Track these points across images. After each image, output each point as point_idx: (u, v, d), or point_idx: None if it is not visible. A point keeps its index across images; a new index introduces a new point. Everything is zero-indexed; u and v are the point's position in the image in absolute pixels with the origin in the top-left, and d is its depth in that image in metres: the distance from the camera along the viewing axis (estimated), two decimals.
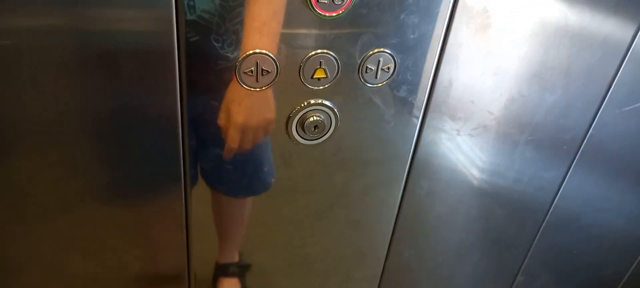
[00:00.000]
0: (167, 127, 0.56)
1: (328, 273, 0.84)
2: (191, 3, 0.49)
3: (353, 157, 0.68)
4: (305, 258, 0.80)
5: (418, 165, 0.72)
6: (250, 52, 0.53)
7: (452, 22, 0.59)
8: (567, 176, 0.84)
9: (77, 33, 0.47)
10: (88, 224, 0.59)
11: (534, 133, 0.75)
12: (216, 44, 0.51)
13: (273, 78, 0.55)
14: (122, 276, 0.67)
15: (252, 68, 0.53)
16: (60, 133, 0.52)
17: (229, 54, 0.52)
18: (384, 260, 0.84)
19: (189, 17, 0.49)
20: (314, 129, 0.60)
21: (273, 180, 0.68)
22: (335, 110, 0.60)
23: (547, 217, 0.90)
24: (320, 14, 0.51)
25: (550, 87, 0.70)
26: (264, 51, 0.53)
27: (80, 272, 0.64)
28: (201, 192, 0.65)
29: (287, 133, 0.61)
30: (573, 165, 0.83)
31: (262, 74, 0.54)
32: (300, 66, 0.55)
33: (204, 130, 0.63)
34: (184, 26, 0.49)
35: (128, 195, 0.61)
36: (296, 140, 0.61)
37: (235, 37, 0.51)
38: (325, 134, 0.62)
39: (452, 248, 0.90)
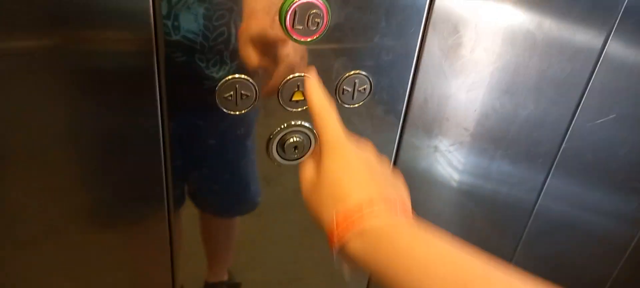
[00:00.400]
0: (150, 149, 0.57)
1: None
2: (175, 24, 0.50)
3: None
4: (295, 274, 0.81)
5: None
6: (230, 77, 0.54)
7: (424, 43, 0.61)
8: (545, 187, 0.87)
9: (56, 55, 0.47)
10: (73, 248, 0.60)
11: (509, 147, 0.78)
12: (201, 64, 0.53)
13: (252, 102, 0.57)
14: None
15: (232, 92, 0.55)
16: (44, 158, 0.53)
17: (213, 74, 0.54)
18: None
19: (174, 37, 0.51)
20: (294, 149, 0.62)
21: (259, 199, 0.69)
22: (313, 131, 0.62)
23: (528, 227, 0.93)
24: (296, 40, 0.53)
25: (523, 102, 0.73)
26: (243, 76, 0.55)
27: None
28: (188, 213, 0.66)
29: (268, 154, 0.62)
30: (549, 176, 0.85)
31: (242, 98, 0.56)
32: (279, 89, 0.57)
33: (190, 151, 0.64)
34: (164, 47, 0.50)
35: (112, 218, 0.61)
36: (277, 161, 0.63)
37: (219, 57, 0.53)
38: (305, 154, 0.63)
39: None
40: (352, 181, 0.44)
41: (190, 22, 0.50)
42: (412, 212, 0.44)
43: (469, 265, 0.36)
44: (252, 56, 0.54)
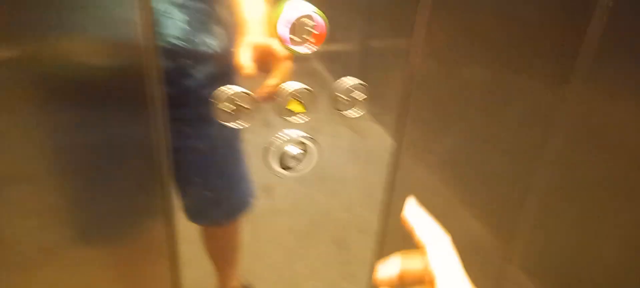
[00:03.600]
0: (147, 160, 0.56)
1: None
2: (170, 33, 0.50)
3: (332, 182, 0.70)
4: (292, 279, 0.81)
5: (396, 185, 0.74)
6: (226, 88, 0.54)
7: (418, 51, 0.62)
8: None
9: (45, 66, 0.46)
10: (72, 267, 0.59)
11: None
12: (197, 75, 0.53)
13: (249, 112, 0.56)
14: None
15: (228, 104, 0.55)
16: (38, 176, 0.52)
17: (210, 85, 0.53)
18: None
19: (162, 44, 0.50)
20: (291, 158, 0.61)
21: (252, 199, 0.69)
22: (312, 140, 0.62)
23: None
24: (292, 50, 0.53)
25: None
26: (239, 87, 0.54)
27: None
28: (188, 225, 0.66)
29: (266, 164, 0.62)
30: None
31: (238, 109, 0.56)
32: (275, 99, 0.57)
33: (187, 162, 0.63)
34: (154, 55, 0.50)
35: (111, 234, 0.61)
36: (275, 170, 0.63)
37: (215, 68, 0.52)
38: (302, 164, 0.63)
39: None
40: None
41: (185, 32, 0.50)
42: None
43: None
44: (248, 66, 0.54)
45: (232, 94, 0.54)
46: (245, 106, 0.56)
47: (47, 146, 0.51)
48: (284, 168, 0.63)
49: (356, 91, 0.60)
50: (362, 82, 0.60)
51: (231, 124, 0.56)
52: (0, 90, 0.46)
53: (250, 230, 0.72)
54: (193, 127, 0.61)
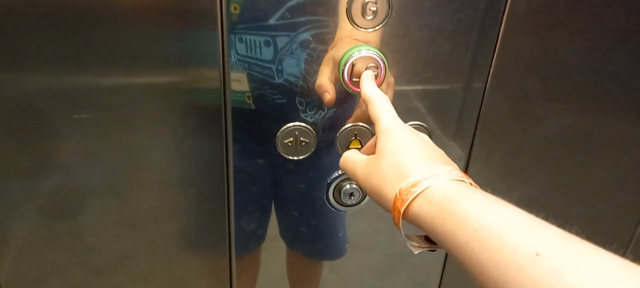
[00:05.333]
0: (215, 186, 0.61)
1: None
2: (279, 67, 0.55)
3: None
4: None
5: None
6: (290, 124, 0.57)
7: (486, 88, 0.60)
8: None
9: (137, 94, 0.53)
10: (142, 276, 0.65)
11: None
12: (299, 107, 0.57)
13: (311, 148, 0.59)
14: None
15: (291, 139, 0.58)
16: (122, 190, 0.58)
17: (275, 120, 0.58)
18: None
19: (277, 81, 0.55)
20: (350, 196, 0.63)
21: (346, 247, 0.71)
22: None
23: None
24: (354, 91, 0.55)
25: None
26: (302, 124, 0.57)
27: None
28: (274, 246, 0.69)
29: (327, 199, 0.64)
30: None
31: (301, 144, 0.58)
32: (337, 138, 0.59)
33: (251, 191, 0.68)
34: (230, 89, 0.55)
35: (178, 249, 0.66)
36: (334, 205, 0.64)
37: (284, 104, 0.56)
38: (361, 201, 0.64)
39: None
40: (413, 157, 0.42)
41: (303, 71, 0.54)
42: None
43: (543, 234, 0.33)
44: (315, 104, 0.57)
45: (296, 131, 0.57)
46: (309, 142, 0.58)
47: (133, 163, 0.57)
48: (343, 205, 0.64)
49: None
50: (422, 123, 0.60)
51: (294, 158, 0.59)
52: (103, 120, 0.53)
53: (330, 265, 0.73)
54: (262, 161, 0.66)
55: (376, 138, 0.47)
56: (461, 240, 0.35)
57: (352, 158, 0.49)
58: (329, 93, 0.55)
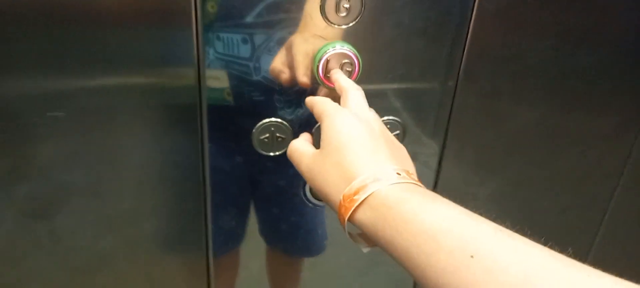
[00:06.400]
0: (191, 185, 0.61)
1: None
2: (257, 65, 0.55)
3: None
4: None
5: None
6: (266, 120, 0.58)
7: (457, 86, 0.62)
8: None
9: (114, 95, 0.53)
10: (122, 277, 0.65)
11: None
12: (277, 105, 0.58)
13: (287, 144, 0.60)
14: None
15: (267, 135, 0.59)
16: (99, 193, 0.58)
17: (250, 117, 0.58)
18: None
19: (255, 78, 0.56)
20: None
21: (325, 244, 0.72)
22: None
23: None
24: (327, 86, 0.56)
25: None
26: (278, 119, 0.58)
27: None
28: (254, 245, 0.69)
29: (304, 195, 0.65)
30: None
31: (277, 140, 0.59)
32: (313, 133, 0.60)
33: (228, 189, 0.68)
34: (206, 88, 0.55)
35: (156, 250, 0.66)
36: (312, 201, 0.65)
37: (257, 101, 0.57)
38: None
39: None
40: (356, 154, 0.42)
41: (241, 67, 0.55)
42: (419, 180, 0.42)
43: (477, 234, 0.33)
44: (293, 101, 0.58)
45: (272, 127, 0.58)
46: (285, 138, 0.59)
47: (110, 163, 0.57)
48: (318, 200, 0.65)
49: (393, 127, 0.61)
50: (397, 118, 0.61)
51: (270, 154, 0.60)
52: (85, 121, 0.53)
53: (310, 262, 0.74)
54: (238, 159, 0.66)
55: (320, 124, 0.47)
56: (401, 246, 0.36)
57: (298, 150, 0.49)
58: (284, 72, 0.55)
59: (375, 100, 0.59)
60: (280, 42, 0.54)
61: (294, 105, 0.59)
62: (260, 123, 0.58)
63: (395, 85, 0.60)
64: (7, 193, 0.55)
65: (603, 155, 0.71)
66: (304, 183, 0.64)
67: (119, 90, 0.53)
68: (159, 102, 0.55)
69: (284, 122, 0.59)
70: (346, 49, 0.54)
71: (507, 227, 0.35)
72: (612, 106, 0.68)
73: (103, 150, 0.56)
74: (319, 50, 0.54)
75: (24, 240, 0.58)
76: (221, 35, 0.54)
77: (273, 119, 0.58)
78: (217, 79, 0.56)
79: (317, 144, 0.47)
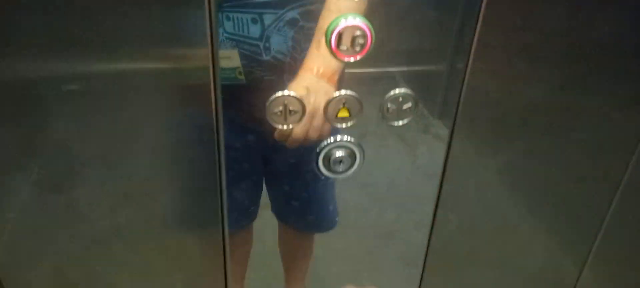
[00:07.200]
0: (206, 159, 0.61)
1: None
2: (267, 45, 0.55)
3: (379, 190, 0.71)
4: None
5: (446, 199, 0.73)
6: (279, 93, 0.58)
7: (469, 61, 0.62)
8: None
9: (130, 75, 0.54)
10: (136, 247, 0.66)
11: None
12: (252, 80, 0.58)
13: (299, 117, 0.60)
14: None
15: (280, 108, 0.59)
16: (115, 164, 0.59)
17: (264, 90, 0.58)
18: None
19: (265, 58, 0.56)
20: (339, 163, 0.64)
21: (337, 220, 0.73)
22: (359, 147, 0.64)
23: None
24: (341, 60, 0.56)
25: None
26: (291, 93, 0.58)
27: None
28: (265, 222, 0.70)
29: (317, 166, 0.65)
30: None
31: (290, 113, 0.59)
32: (325, 107, 0.60)
33: (242, 163, 0.69)
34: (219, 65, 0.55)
35: (171, 222, 0.67)
36: (323, 174, 0.65)
37: (269, 73, 0.57)
38: (350, 169, 0.65)
39: (487, 284, 0.89)
40: None
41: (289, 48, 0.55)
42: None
43: None
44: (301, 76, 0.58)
45: (286, 100, 0.58)
46: (298, 111, 0.59)
47: (124, 129, 0.57)
48: (332, 173, 0.65)
49: (405, 100, 0.61)
50: (410, 91, 0.61)
51: (281, 125, 0.60)
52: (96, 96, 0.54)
53: (320, 241, 0.75)
54: (251, 132, 0.67)
55: None
56: None
57: None
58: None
59: (387, 72, 0.59)
60: (290, 23, 0.54)
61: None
62: (274, 96, 0.58)
63: (406, 55, 0.59)
64: (23, 166, 0.56)
65: (619, 125, 0.70)
66: (317, 156, 0.64)
67: (135, 70, 0.53)
68: (173, 82, 0.55)
69: (297, 97, 0.59)
70: (358, 20, 0.53)
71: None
72: (629, 75, 0.67)
73: (118, 127, 0.56)
74: (330, 23, 0.54)
75: (40, 213, 0.60)
76: (231, 15, 0.55)
77: (286, 93, 0.58)
78: (229, 59, 0.57)
79: None
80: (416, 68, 0.61)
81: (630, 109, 0.70)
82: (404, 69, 0.60)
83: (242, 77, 0.58)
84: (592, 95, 0.67)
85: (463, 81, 0.62)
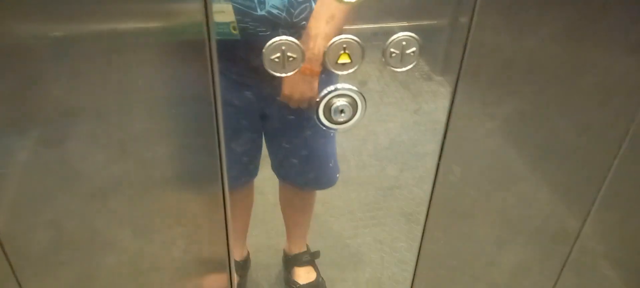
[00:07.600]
0: (202, 111, 0.60)
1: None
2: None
3: (381, 144, 0.70)
4: (359, 249, 0.83)
5: (449, 151, 0.72)
6: (276, 39, 0.56)
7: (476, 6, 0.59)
8: None
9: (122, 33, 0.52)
10: (136, 202, 0.65)
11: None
12: (248, 27, 0.56)
13: (299, 64, 0.58)
14: (168, 253, 0.73)
15: (278, 54, 0.57)
16: (109, 117, 0.57)
17: (260, 36, 0.56)
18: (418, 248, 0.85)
19: (259, 12, 0.55)
20: (340, 113, 0.62)
21: (337, 176, 0.72)
22: (361, 95, 0.62)
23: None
24: (342, 0, 0.54)
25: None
26: (289, 38, 0.56)
27: (130, 247, 0.70)
28: (267, 179, 0.69)
29: (317, 117, 0.63)
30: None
31: (288, 60, 0.57)
32: (325, 52, 0.58)
33: (240, 115, 0.67)
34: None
35: (171, 175, 0.66)
36: (324, 124, 0.64)
37: (264, 21, 0.55)
38: (352, 119, 0.64)
39: (489, 236, 0.88)
40: None
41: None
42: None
43: None
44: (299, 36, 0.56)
45: (283, 46, 0.56)
46: (296, 57, 0.57)
47: (120, 86, 0.56)
48: (333, 123, 0.64)
49: (408, 45, 0.59)
50: (414, 35, 0.59)
51: (282, 75, 0.58)
52: (91, 50, 0.52)
53: (321, 198, 0.74)
54: (249, 82, 0.65)
55: None
56: None
57: None
58: None
59: (390, 10, 0.57)
60: None
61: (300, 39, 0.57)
62: (271, 41, 0.56)
63: (408, 9, 0.57)
64: (15, 118, 0.55)
65: (628, 70, 0.68)
66: (317, 107, 0.62)
67: (129, 29, 0.52)
68: (167, 38, 0.54)
69: (296, 41, 0.56)
70: None
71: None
72: (638, 19, 0.64)
73: (113, 84, 0.55)
74: None
75: (34, 166, 0.58)
76: None
77: (284, 38, 0.56)
78: (223, 13, 0.56)
79: None
80: (418, 22, 0.58)
81: (638, 54, 0.67)
82: (405, 24, 0.58)
83: (236, 32, 0.57)
84: (601, 38, 0.65)
85: (468, 33, 0.60)
